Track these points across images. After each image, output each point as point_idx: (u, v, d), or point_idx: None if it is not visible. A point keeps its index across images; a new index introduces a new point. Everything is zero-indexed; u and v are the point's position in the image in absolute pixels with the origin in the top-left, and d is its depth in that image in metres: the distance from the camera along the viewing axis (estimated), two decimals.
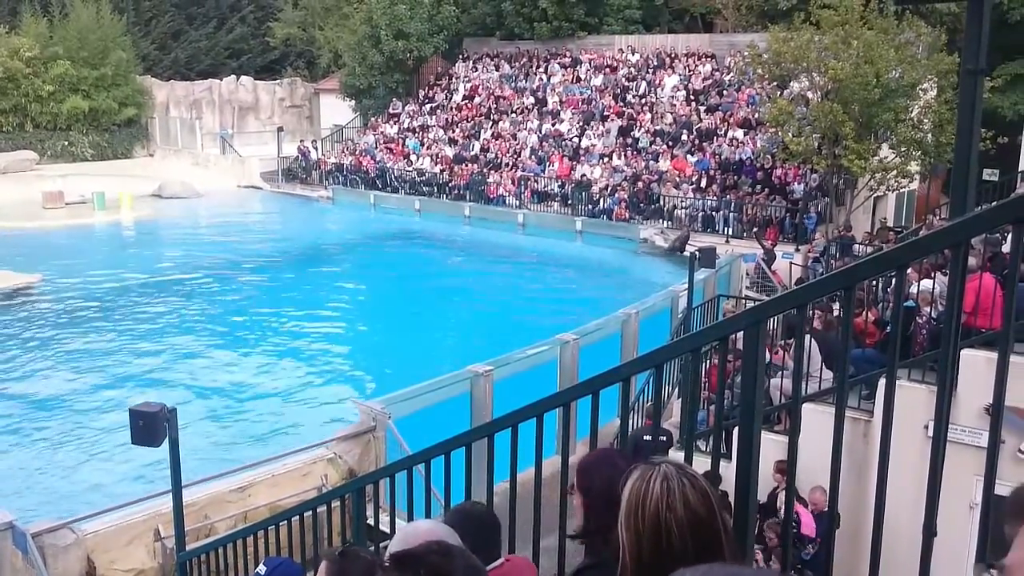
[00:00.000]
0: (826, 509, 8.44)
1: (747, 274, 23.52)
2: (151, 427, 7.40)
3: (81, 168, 41.99)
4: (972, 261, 8.24)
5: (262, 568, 3.68)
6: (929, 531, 2.53)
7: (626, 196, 29.82)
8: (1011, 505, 1.04)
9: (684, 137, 31.53)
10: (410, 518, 4.86)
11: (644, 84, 35.78)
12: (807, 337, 9.73)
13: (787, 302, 3.21)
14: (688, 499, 1.98)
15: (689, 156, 30.63)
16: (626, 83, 36.37)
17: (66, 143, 44.65)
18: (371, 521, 5.95)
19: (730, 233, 26.67)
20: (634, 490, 2.01)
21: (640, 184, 30.02)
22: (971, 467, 7.11)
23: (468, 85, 40.82)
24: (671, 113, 33.18)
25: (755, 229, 25.59)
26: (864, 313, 9.93)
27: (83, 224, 33.46)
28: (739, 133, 30.38)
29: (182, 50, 54.01)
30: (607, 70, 37.54)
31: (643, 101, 34.87)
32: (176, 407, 7.70)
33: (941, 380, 2.62)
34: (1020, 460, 7.87)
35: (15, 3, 47.80)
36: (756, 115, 30.10)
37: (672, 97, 34.28)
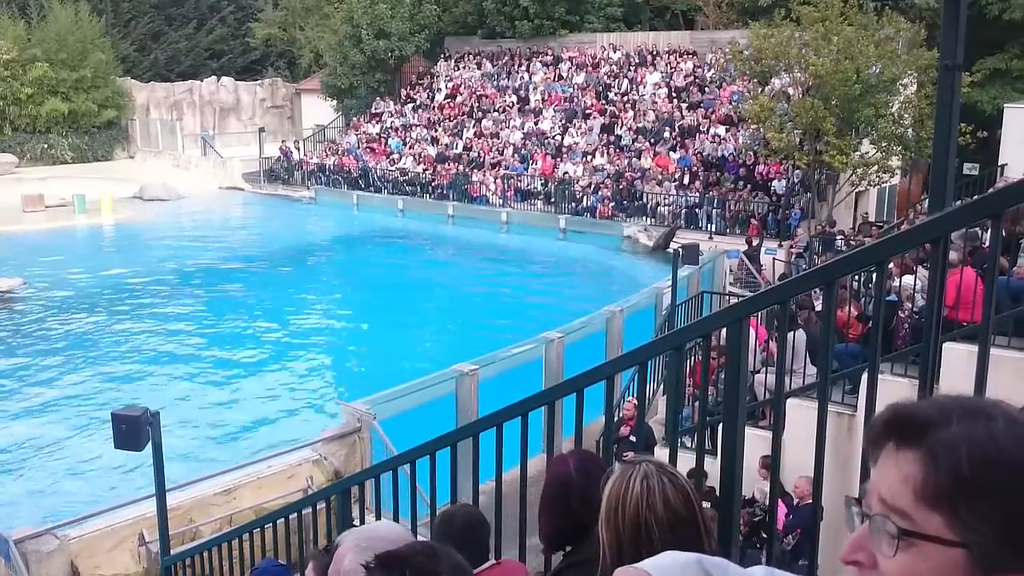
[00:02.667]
0: (810, 501, 8.49)
1: (731, 270, 23.58)
2: (134, 431, 7.35)
3: (61, 171, 41.75)
4: (954, 255, 8.30)
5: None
6: None
7: (609, 194, 29.87)
8: (872, 432, 1.08)
9: (666, 134, 31.60)
10: (396, 518, 4.85)
11: (626, 82, 35.83)
12: (795, 331, 9.78)
13: (769, 298, 3.22)
14: (668, 497, 1.98)
15: (672, 153, 30.71)
16: (608, 81, 36.41)
17: (46, 146, 44.37)
18: (357, 522, 5.93)
19: (713, 229, 26.74)
20: (614, 489, 2.01)
21: (623, 181, 30.07)
22: None
23: (450, 84, 40.78)
24: (653, 110, 33.24)
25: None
26: (847, 307, 9.97)
27: (64, 227, 33.25)
28: (721, 130, 30.48)
29: (162, 51, 53.72)
30: (589, 68, 37.58)
31: (625, 99, 34.91)
32: (159, 410, 7.66)
33: (923, 374, 2.63)
34: None
35: None
36: (738, 112, 30.19)
37: (654, 94, 34.34)
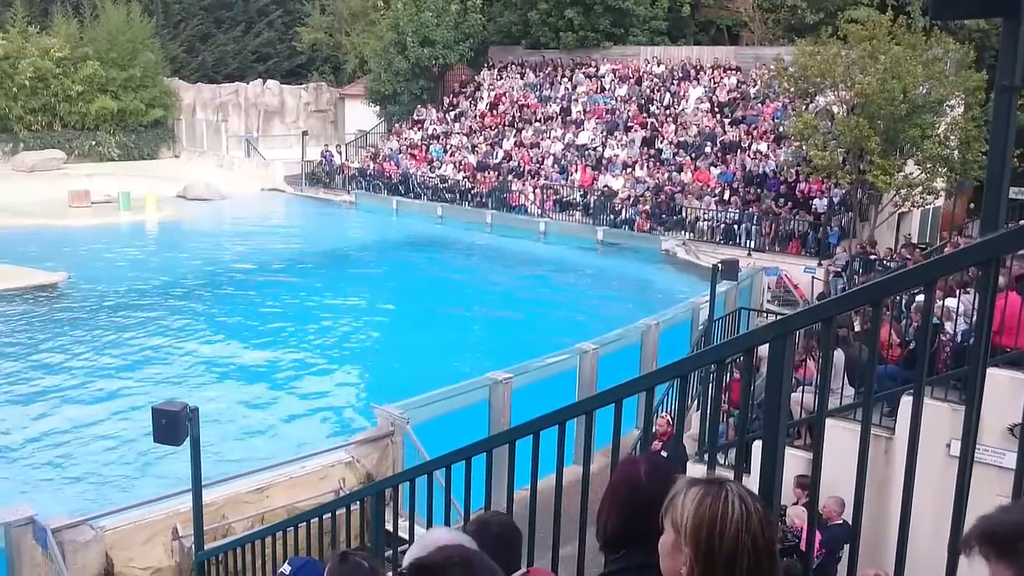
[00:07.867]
0: (839, 521, 8.39)
1: (768, 287, 23.39)
2: (173, 426, 7.44)
3: (107, 168, 42.42)
4: (1000, 279, 8.18)
5: (287, 568, 3.70)
6: (955, 550, 2.51)
7: (648, 207, 29.77)
8: (966, 542, 1.20)
9: (708, 149, 31.45)
10: (429, 524, 4.86)
11: (668, 95, 35.74)
12: (834, 350, 9.66)
13: (813, 316, 3.19)
14: (763, 525, 1.97)
15: (712, 168, 30.55)
16: (650, 94, 36.33)
17: (93, 143, 45.12)
18: (389, 526, 5.95)
19: (752, 246, 26.54)
20: (706, 507, 1.96)
21: (662, 195, 29.97)
22: (993, 487, 7.01)
23: (492, 93, 40.91)
24: (695, 125, 33.11)
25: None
26: (888, 328, 9.85)
27: (108, 223, 33.74)
28: (763, 146, 30.26)
29: (210, 53, 54.45)
30: (631, 81, 37.52)
31: (667, 112, 34.82)
32: (198, 406, 7.74)
33: (969, 400, 2.60)
34: None
35: (47, 4, 48.42)
36: (780, 128, 29.95)
37: (696, 109, 34.20)
